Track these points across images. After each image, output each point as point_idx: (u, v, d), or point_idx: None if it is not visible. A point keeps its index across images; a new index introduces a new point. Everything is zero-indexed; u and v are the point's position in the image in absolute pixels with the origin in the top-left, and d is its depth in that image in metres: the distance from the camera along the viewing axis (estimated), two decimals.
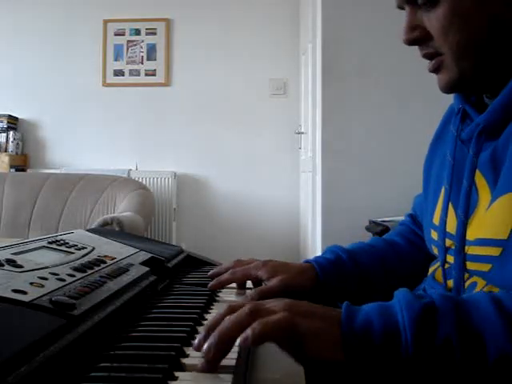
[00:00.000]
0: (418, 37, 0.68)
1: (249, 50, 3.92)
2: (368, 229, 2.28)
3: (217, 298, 0.79)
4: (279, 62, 3.92)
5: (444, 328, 0.48)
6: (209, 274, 0.86)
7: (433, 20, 0.66)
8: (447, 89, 0.70)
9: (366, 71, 2.68)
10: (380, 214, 2.32)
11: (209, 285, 0.81)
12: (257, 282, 0.84)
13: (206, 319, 0.66)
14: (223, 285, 0.81)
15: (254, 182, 3.92)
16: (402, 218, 1.05)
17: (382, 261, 0.89)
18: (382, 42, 2.64)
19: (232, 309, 0.53)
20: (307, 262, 0.87)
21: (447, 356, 0.48)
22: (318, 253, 2.54)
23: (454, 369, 0.48)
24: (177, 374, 0.47)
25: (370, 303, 0.54)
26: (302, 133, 3.54)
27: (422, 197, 0.93)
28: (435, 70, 0.69)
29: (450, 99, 0.82)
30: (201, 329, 0.61)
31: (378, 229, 2.14)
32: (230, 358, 0.50)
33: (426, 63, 0.71)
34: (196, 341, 0.51)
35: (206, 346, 0.49)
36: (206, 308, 0.72)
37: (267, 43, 3.91)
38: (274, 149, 3.91)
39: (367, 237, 1.95)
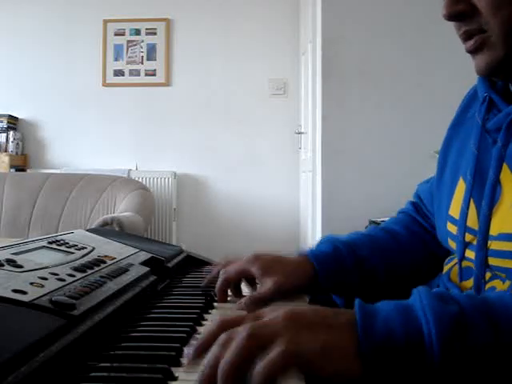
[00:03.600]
0: (461, 10, 0.61)
1: (249, 50, 3.92)
2: None
3: (216, 299, 0.78)
4: (279, 62, 3.92)
5: (476, 339, 0.45)
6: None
7: None
8: (487, 70, 0.63)
9: (366, 71, 2.68)
10: (380, 214, 2.32)
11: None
12: (251, 279, 0.80)
13: (206, 319, 0.66)
14: (224, 291, 0.77)
15: (254, 182, 3.92)
16: None
17: (382, 252, 0.84)
18: (382, 41, 2.65)
19: (223, 326, 0.47)
20: (302, 253, 0.82)
21: (478, 368, 0.45)
22: None
23: (483, 379, 0.45)
24: (177, 373, 0.47)
25: (385, 302, 0.48)
26: (302, 133, 3.54)
27: (428, 184, 0.88)
28: (476, 49, 0.62)
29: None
30: (201, 329, 0.61)
31: None
32: None
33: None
34: (186, 361, 0.48)
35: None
36: (206, 308, 0.72)
37: (267, 43, 3.91)
38: (274, 149, 3.90)
39: None
